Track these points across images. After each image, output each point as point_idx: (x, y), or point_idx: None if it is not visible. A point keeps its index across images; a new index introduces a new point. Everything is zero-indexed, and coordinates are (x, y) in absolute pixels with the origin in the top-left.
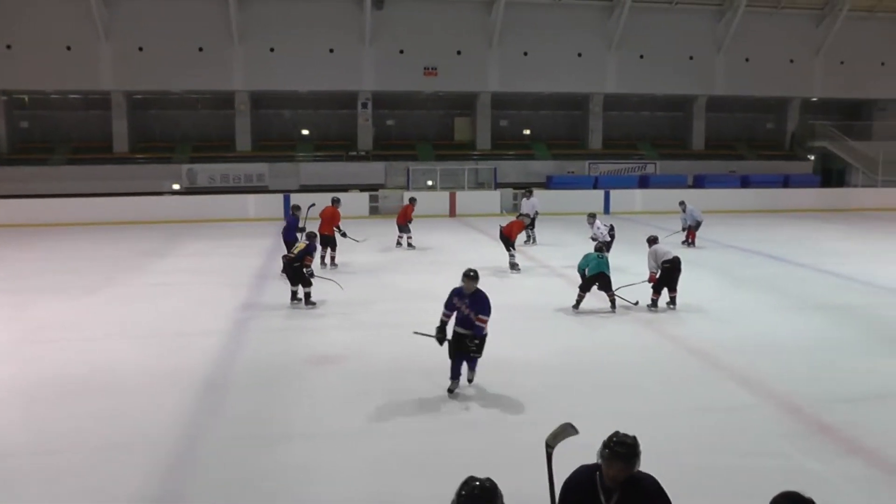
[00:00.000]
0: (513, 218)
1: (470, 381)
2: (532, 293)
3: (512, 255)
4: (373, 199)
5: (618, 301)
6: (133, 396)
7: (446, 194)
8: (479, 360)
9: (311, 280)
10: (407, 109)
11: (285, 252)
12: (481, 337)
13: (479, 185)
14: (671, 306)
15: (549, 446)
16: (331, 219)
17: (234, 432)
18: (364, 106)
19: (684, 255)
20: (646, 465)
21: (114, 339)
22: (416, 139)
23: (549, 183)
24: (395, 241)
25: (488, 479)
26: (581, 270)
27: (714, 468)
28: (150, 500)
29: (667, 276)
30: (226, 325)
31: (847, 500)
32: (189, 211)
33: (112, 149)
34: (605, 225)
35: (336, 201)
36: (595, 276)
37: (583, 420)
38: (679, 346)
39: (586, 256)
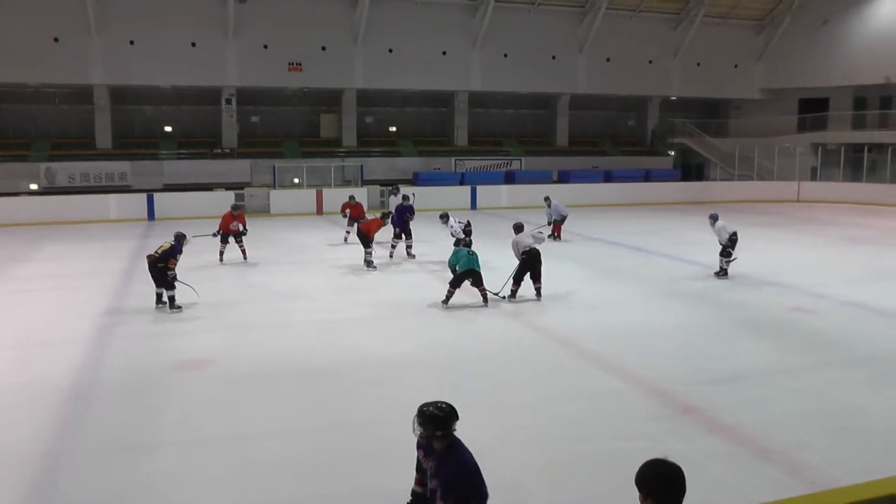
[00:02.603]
0: (375, 215)
1: None
2: (401, 289)
3: (368, 253)
4: (238, 197)
5: (489, 296)
6: None
7: (313, 192)
8: (345, 364)
9: (175, 283)
10: (272, 106)
11: (150, 252)
12: None
13: (346, 183)
14: (537, 297)
15: None
16: (227, 220)
17: (100, 444)
18: (228, 102)
19: (551, 249)
20: (517, 454)
21: None
22: (282, 136)
23: (416, 179)
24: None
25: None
26: (452, 266)
27: (583, 454)
28: None
29: (525, 266)
30: (90, 331)
31: (710, 476)
32: (48, 212)
33: None
34: (459, 222)
35: (235, 208)
36: (466, 272)
37: (465, 411)
38: (547, 336)
39: (457, 252)
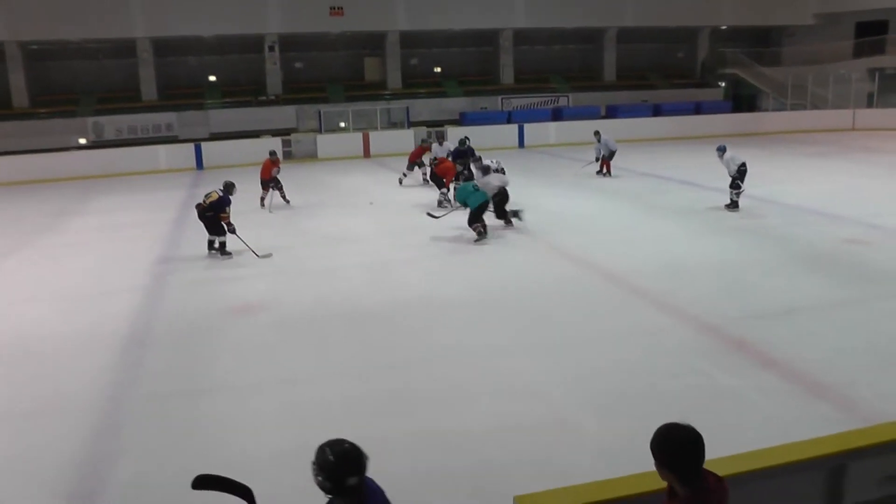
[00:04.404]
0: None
1: None
2: (449, 230)
3: (443, 194)
4: (286, 143)
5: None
6: (54, 360)
7: (360, 135)
8: (393, 306)
9: (227, 232)
10: (315, 51)
11: (198, 201)
12: None
13: (393, 125)
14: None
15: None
16: (268, 168)
17: (158, 388)
18: (271, 49)
19: (600, 184)
20: (567, 390)
21: (30, 302)
22: (327, 81)
23: (463, 119)
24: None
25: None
26: (461, 202)
27: (635, 390)
28: (80, 463)
29: (501, 205)
30: (143, 280)
31: (763, 412)
32: (98, 165)
33: (11, 104)
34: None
35: (274, 154)
36: (483, 204)
37: (508, 354)
38: (596, 273)
39: (463, 188)
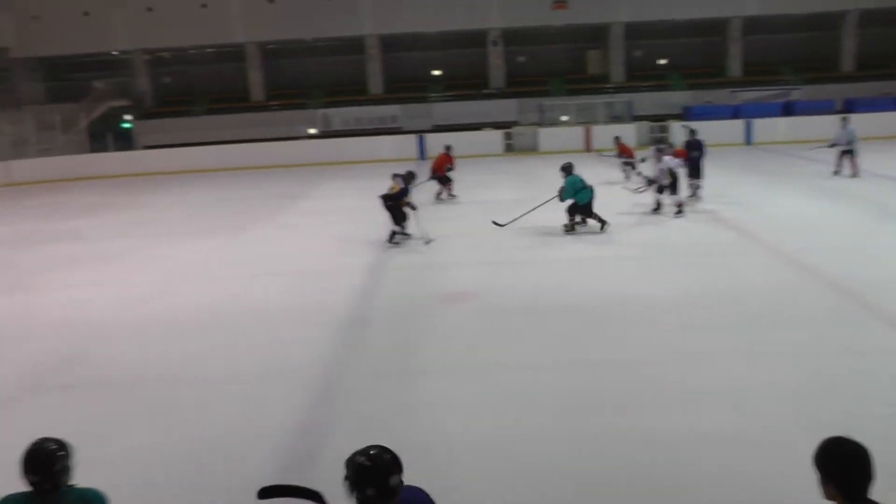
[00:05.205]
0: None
1: None
2: (665, 230)
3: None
4: (507, 136)
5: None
6: (281, 331)
7: (580, 129)
8: (604, 302)
9: (406, 218)
10: (537, 45)
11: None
12: None
13: (615, 119)
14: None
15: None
16: (442, 163)
17: (374, 366)
18: (495, 44)
19: (832, 185)
20: (778, 406)
21: (259, 277)
22: (548, 75)
23: (687, 114)
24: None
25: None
26: (570, 198)
27: (856, 415)
28: (298, 429)
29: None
30: (362, 262)
31: None
32: (325, 154)
33: (248, 98)
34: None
35: (447, 148)
36: (589, 202)
37: (718, 362)
38: (821, 281)
39: (573, 184)
